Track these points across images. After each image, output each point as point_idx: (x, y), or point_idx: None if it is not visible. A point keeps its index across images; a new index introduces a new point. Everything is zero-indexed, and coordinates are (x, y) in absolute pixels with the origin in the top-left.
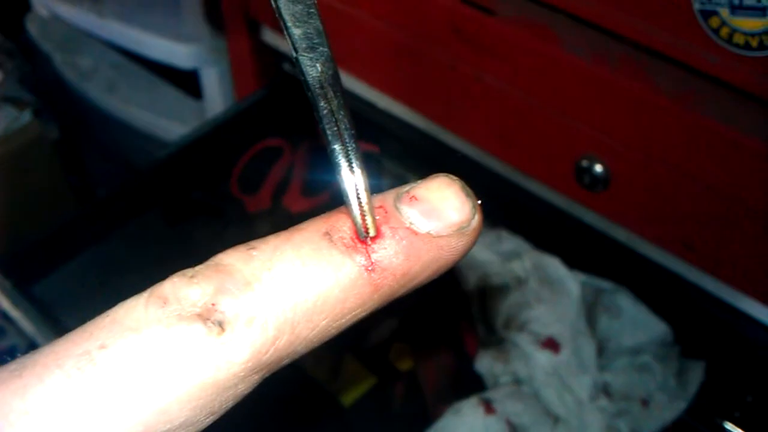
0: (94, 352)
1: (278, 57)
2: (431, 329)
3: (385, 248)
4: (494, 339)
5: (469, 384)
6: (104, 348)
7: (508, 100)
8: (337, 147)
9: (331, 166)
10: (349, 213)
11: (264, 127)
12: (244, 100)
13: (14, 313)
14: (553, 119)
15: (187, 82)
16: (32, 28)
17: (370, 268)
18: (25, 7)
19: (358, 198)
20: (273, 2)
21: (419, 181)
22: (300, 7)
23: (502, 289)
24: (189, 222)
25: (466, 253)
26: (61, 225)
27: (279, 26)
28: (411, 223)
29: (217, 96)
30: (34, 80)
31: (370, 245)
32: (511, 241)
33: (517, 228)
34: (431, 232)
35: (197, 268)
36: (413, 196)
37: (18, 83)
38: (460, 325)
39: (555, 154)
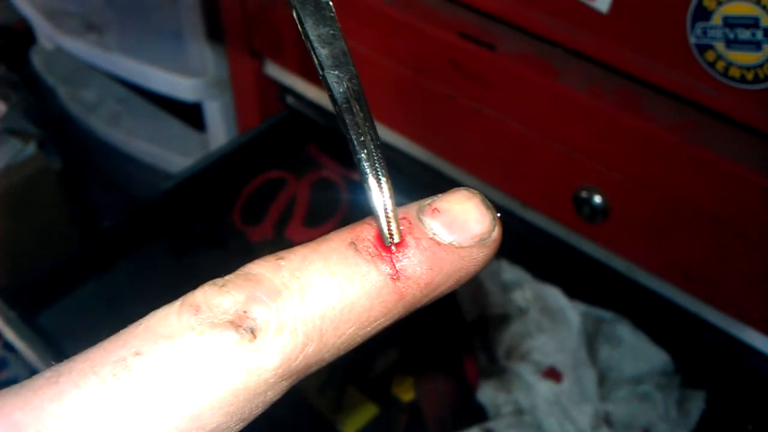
0: (129, 359)
1: (281, 90)
2: (433, 360)
3: (410, 257)
4: (496, 369)
5: (471, 414)
6: (139, 355)
7: (507, 132)
8: (363, 156)
9: (358, 175)
10: (374, 223)
11: (266, 159)
12: (246, 133)
13: (18, 344)
14: (552, 150)
15: (191, 114)
16: (37, 61)
17: (395, 277)
18: (30, 40)
19: (384, 205)
20: (300, 26)
21: (440, 195)
22: (326, 29)
23: (503, 320)
24: (192, 253)
25: (486, 264)
26: (65, 256)
27: (305, 48)
28: (434, 234)
29: (220, 128)
30: (39, 113)
31: (394, 253)
32: (511, 272)
33: (518, 258)
34: (453, 243)
35: (227, 277)
36: (435, 209)
37: (22, 116)
38: (462, 355)
39: (554, 185)
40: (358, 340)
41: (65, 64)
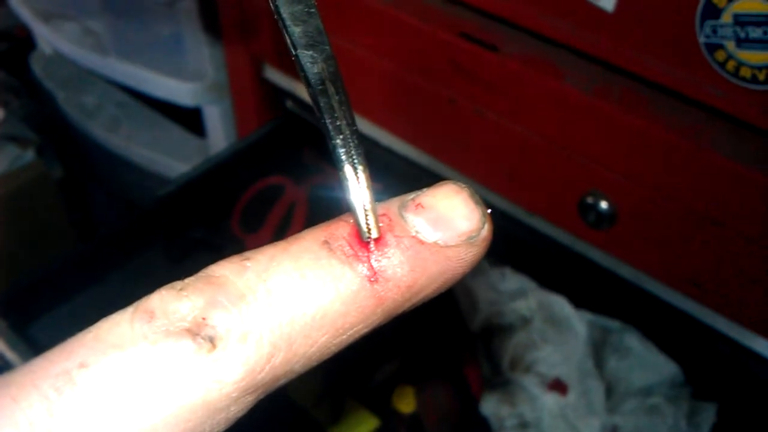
0: (74, 372)
1: (280, 95)
2: (435, 370)
3: (389, 257)
4: (500, 380)
5: (473, 427)
6: (84, 367)
7: (509, 136)
8: (338, 142)
9: (333, 162)
10: (351, 220)
11: (266, 165)
12: (245, 139)
13: (10, 354)
14: (556, 154)
15: (191, 120)
16: (36, 66)
17: (372, 279)
18: (30, 45)
19: (361, 196)
20: (272, 2)
21: (425, 189)
22: (299, 7)
23: (507, 329)
24: (190, 260)
25: (475, 265)
26: (58, 264)
27: (278, 27)
28: (417, 232)
29: (220, 134)
30: (38, 118)
31: (372, 252)
32: (515, 280)
33: (522, 266)
34: (439, 241)
35: (187, 280)
36: (419, 204)
37: (21, 121)
38: (465, 366)
39: (559, 191)
40: (333, 349)
41: (65, 69)
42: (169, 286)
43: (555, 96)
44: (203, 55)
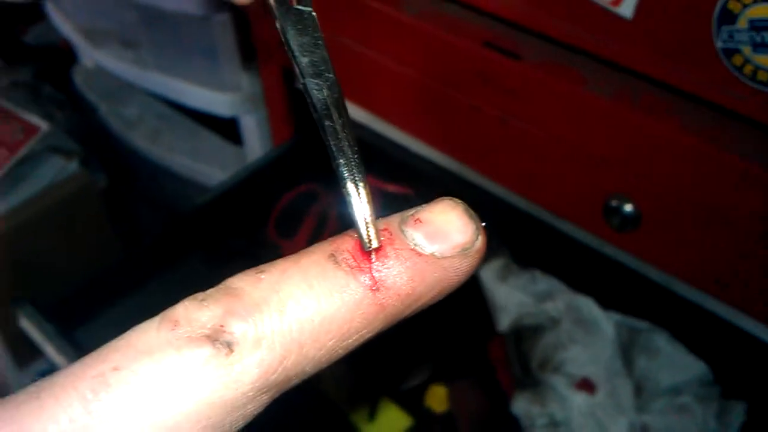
0: (108, 374)
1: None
2: (467, 371)
3: (389, 268)
4: (530, 380)
5: (505, 426)
6: (117, 371)
7: (533, 141)
8: (341, 161)
9: (337, 180)
10: (355, 234)
11: (299, 173)
12: (279, 147)
13: (57, 359)
14: (580, 159)
15: (229, 129)
16: (79, 79)
17: (374, 288)
18: (72, 58)
19: (362, 210)
20: (282, 35)
21: (424, 205)
22: (307, 38)
23: (536, 331)
24: (228, 266)
25: (469, 275)
26: (103, 271)
27: (288, 56)
28: (415, 245)
29: (256, 142)
30: (81, 130)
31: (374, 261)
32: (544, 282)
33: (551, 268)
34: (435, 253)
35: (208, 291)
36: (418, 219)
37: (65, 133)
38: (496, 366)
39: (583, 195)
40: (340, 352)
41: (106, 81)
42: (192, 297)
43: (577, 102)
44: (238, 66)
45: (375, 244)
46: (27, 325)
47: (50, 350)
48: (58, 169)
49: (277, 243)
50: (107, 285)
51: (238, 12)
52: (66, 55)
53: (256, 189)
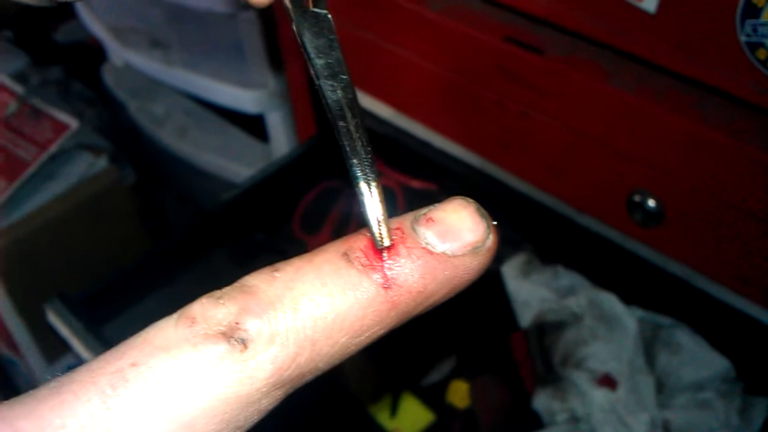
0: (126, 370)
1: None
2: (489, 367)
3: (401, 266)
4: (552, 376)
5: (526, 422)
6: (135, 366)
7: (556, 136)
8: (354, 161)
9: (349, 179)
10: (368, 233)
11: (324, 169)
12: (304, 144)
13: (85, 354)
14: (603, 154)
15: (255, 125)
16: (108, 77)
17: (386, 286)
18: (101, 56)
19: (374, 209)
20: (298, 37)
21: (437, 204)
22: (323, 41)
23: (558, 326)
24: (254, 262)
25: (480, 273)
26: (130, 267)
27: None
28: (427, 243)
29: (282, 139)
30: (111, 127)
31: (386, 260)
32: (567, 277)
33: (574, 264)
34: (446, 251)
35: (225, 289)
36: (430, 218)
37: (95, 130)
38: (518, 362)
39: (606, 189)
40: (353, 348)
41: (134, 79)
42: (209, 294)
43: (600, 96)
44: (265, 64)
45: (387, 243)
46: (55, 321)
47: (78, 345)
48: (88, 165)
49: (301, 239)
50: (135, 280)
51: (263, 10)
52: (95, 52)
53: (282, 185)
